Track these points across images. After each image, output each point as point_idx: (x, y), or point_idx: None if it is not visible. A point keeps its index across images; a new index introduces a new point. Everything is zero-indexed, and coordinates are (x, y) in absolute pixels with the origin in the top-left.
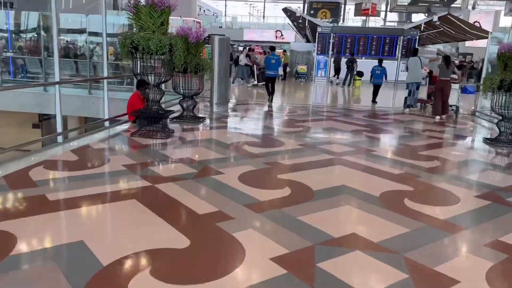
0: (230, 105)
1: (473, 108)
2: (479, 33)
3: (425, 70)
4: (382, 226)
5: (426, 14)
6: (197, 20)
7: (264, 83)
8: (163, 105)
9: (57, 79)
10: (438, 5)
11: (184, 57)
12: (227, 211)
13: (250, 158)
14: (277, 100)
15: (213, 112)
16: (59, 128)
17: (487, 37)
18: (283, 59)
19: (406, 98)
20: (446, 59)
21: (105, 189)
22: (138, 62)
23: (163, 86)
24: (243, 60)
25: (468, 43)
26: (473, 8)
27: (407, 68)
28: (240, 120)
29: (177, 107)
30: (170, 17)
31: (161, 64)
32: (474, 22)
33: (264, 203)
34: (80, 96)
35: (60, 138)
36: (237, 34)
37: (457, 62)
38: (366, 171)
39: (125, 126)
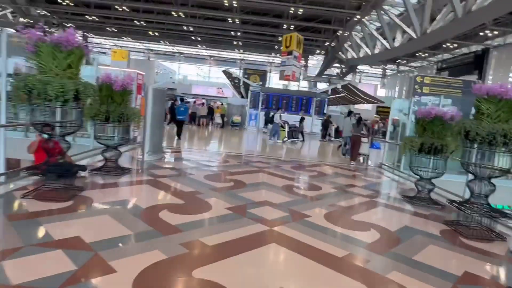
0: (168, 154)
1: (380, 161)
2: (371, 99)
3: (332, 126)
4: None
5: (328, 84)
6: (141, 72)
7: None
8: (90, 153)
9: None
10: (335, 78)
11: (106, 106)
12: None
13: (163, 235)
14: (214, 147)
15: (143, 162)
16: None
17: (375, 102)
18: (220, 110)
19: (341, 147)
20: (358, 119)
21: None
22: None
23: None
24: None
25: (357, 106)
26: (359, 81)
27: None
28: (170, 171)
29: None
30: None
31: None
32: None
33: None
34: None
35: None
36: (186, 88)
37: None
38: (306, 255)
39: (29, 181)
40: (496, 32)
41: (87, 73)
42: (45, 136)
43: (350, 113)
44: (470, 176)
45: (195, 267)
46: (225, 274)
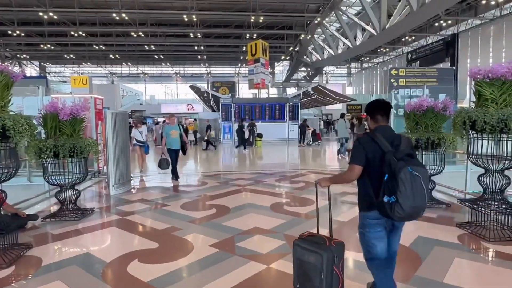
0: (138, 182)
1: None
2: (342, 98)
3: (309, 129)
4: None
5: (296, 88)
6: (99, 97)
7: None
8: (47, 194)
9: None
10: (303, 81)
11: (53, 140)
12: None
13: None
14: (189, 168)
15: (110, 196)
16: None
17: (346, 101)
18: (193, 126)
19: (338, 150)
20: (360, 119)
21: None
22: None
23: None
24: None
25: (328, 106)
26: (326, 82)
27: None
28: (141, 204)
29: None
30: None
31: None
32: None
33: None
34: None
35: None
36: (155, 108)
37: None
38: None
39: None
40: (449, 22)
41: (33, 104)
42: None
43: (343, 115)
44: (473, 169)
45: None
46: None
